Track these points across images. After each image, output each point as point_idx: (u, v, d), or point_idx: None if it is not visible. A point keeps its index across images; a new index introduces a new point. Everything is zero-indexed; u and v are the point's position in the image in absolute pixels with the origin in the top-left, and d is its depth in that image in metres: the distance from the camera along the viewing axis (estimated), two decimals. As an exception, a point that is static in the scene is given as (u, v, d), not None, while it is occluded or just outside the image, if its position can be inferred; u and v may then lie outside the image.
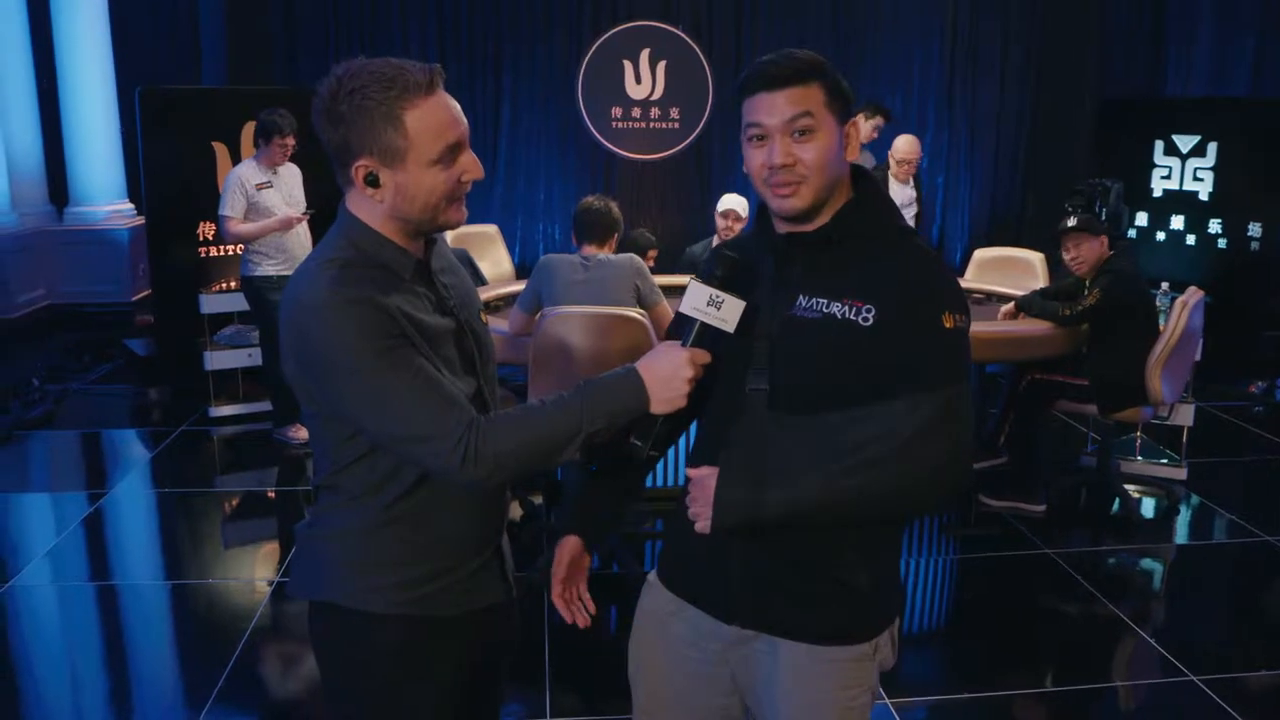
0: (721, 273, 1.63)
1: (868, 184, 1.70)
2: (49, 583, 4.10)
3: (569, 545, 1.85)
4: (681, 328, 1.66)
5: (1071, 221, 4.64)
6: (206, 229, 6.49)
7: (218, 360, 6.05)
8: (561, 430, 1.57)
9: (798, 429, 1.60)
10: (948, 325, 1.57)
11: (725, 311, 1.62)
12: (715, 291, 1.62)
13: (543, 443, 1.56)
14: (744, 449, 1.61)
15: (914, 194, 6.43)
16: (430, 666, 1.71)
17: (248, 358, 6.04)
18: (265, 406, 5.85)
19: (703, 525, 1.61)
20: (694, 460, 1.69)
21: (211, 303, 6.07)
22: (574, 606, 1.85)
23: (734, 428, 1.64)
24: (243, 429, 5.90)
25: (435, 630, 1.70)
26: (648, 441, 1.64)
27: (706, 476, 1.61)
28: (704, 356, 1.62)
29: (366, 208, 1.61)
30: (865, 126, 6.33)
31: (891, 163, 6.33)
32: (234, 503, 5.02)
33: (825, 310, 1.60)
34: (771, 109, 1.60)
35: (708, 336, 1.64)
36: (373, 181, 1.57)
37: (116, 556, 4.50)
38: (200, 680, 3.41)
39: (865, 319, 1.57)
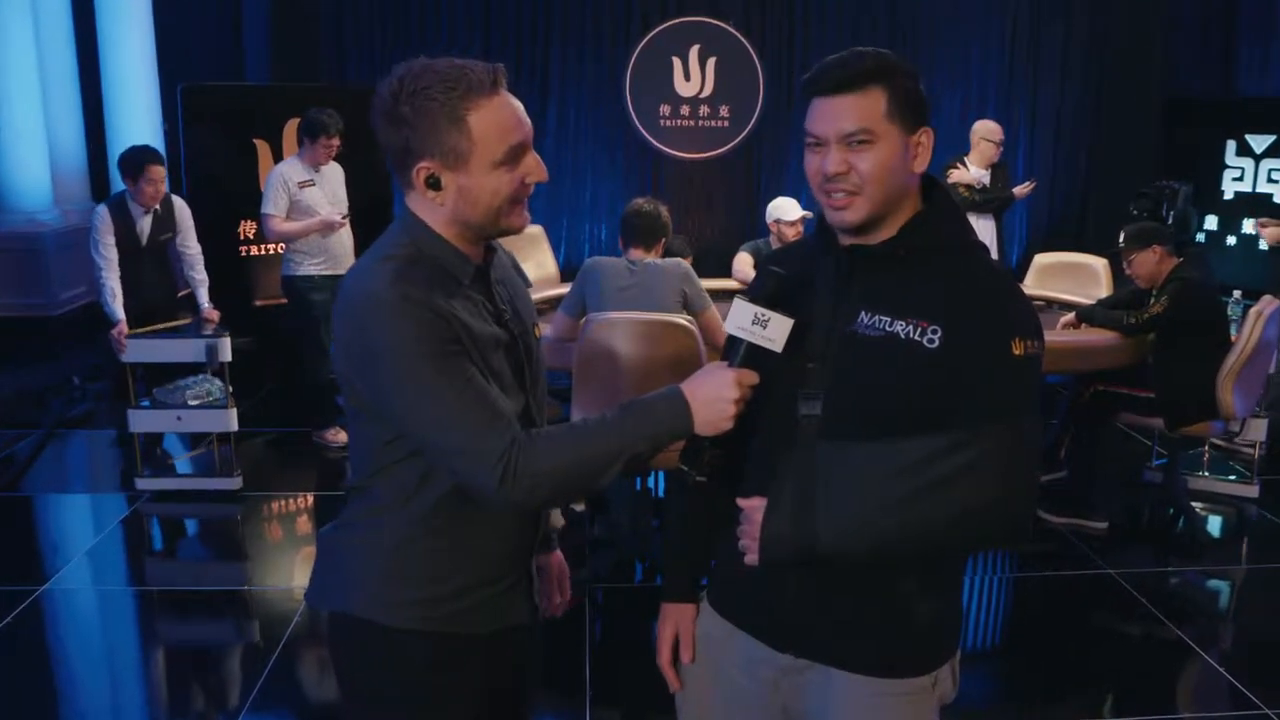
0: (768, 289, 1.56)
1: (939, 195, 1.60)
2: (89, 585, 4.10)
3: (689, 615, 1.81)
4: (731, 348, 1.61)
5: (1121, 238, 4.57)
6: (247, 228, 6.45)
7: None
8: (603, 452, 1.52)
9: (851, 459, 1.51)
10: (1017, 353, 1.48)
11: (772, 330, 1.55)
12: (760, 310, 1.55)
13: (584, 465, 1.52)
14: (794, 479, 1.53)
15: (986, 175, 6.11)
16: (455, 687, 1.67)
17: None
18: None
19: (751, 558, 1.55)
20: (745, 489, 1.61)
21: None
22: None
23: (785, 455, 1.56)
24: (278, 432, 5.85)
25: (461, 649, 1.66)
26: (695, 465, 1.59)
27: (755, 508, 1.55)
28: (751, 377, 1.55)
29: (427, 209, 1.59)
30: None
31: (972, 141, 6.11)
32: (271, 507, 4.97)
33: (888, 329, 1.51)
34: (827, 117, 1.51)
35: (756, 355, 1.56)
36: (434, 184, 1.54)
37: (153, 559, 4.48)
38: (235, 687, 3.41)
39: (930, 341, 1.49)
